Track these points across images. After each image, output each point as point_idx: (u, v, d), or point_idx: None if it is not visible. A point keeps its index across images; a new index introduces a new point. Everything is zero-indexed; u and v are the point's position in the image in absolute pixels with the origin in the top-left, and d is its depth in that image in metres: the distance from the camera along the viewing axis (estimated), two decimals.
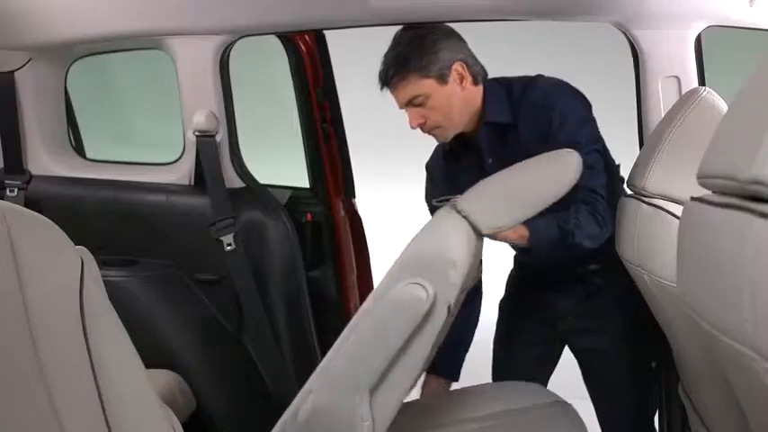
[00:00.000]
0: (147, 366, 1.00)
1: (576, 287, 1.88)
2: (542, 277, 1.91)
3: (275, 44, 2.22)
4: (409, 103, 1.72)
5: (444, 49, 1.70)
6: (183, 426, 1.08)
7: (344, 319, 2.30)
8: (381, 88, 1.73)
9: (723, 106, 1.47)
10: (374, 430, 1.31)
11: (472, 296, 1.91)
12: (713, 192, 0.81)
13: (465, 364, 1.96)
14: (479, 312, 1.98)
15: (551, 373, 2.01)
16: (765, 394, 0.69)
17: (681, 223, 0.94)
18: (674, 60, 1.76)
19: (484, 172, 1.68)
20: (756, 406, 0.79)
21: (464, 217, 1.52)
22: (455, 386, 1.95)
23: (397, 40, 1.73)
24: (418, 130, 1.76)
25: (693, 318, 0.86)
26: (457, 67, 1.71)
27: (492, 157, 1.76)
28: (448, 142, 1.82)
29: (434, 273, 1.32)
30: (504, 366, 2.01)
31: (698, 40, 1.77)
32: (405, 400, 1.39)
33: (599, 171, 1.69)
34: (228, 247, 1.98)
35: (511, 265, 2.04)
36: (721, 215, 0.74)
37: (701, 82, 1.78)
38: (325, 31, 2.21)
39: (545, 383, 1.96)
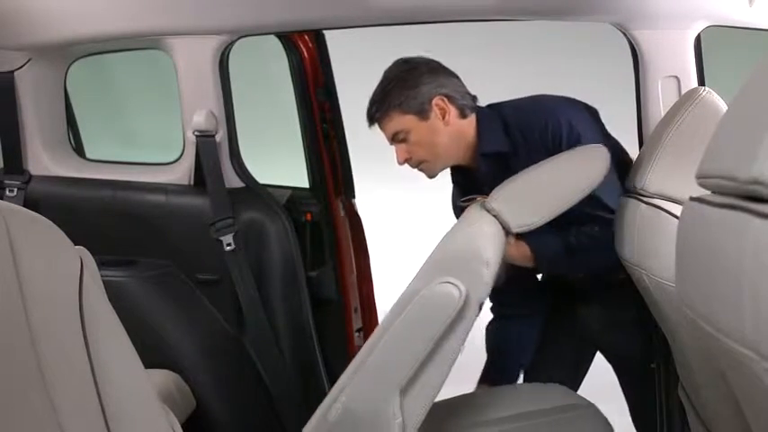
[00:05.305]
0: (147, 366, 1.00)
1: (603, 296, 1.83)
2: (569, 287, 1.87)
3: (275, 44, 2.22)
4: (394, 139, 1.73)
5: (425, 85, 1.69)
6: (183, 426, 1.08)
7: (344, 319, 2.30)
8: (369, 126, 1.75)
9: (723, 106, 1.47)
10: (405, 428, 1.30)
11: (534, 312, 1.91)
12: (712, 192, 0.81)
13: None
14: (537, 330, 1.93)
15: (584, 377, 1.99)
16: (765, 395, 0.69)
17: (680, 223, 0.94)
18: (673, 60, 1.76)
19: None
20: (756, 406, 0.79)
21: (494, 216, 1.51)
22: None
23: (384, 76, 1.73)
24: None
25: (693, 318, 0.86)
26: (438, 101, 1.69)
27: (491, 188, 1.66)
28: (453, 173, 1.80)
29: (467, 271, 1.32)
30: (536, 377, 1.96)
31: (698, 40, 1.77)
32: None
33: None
34: (228, 247, 1.99)
35: None
36: (720, 215, 0.74)
37: (701, 82, 1.78)
38: (325, 31, 2.22)
39: (577, 389, 1.92)
